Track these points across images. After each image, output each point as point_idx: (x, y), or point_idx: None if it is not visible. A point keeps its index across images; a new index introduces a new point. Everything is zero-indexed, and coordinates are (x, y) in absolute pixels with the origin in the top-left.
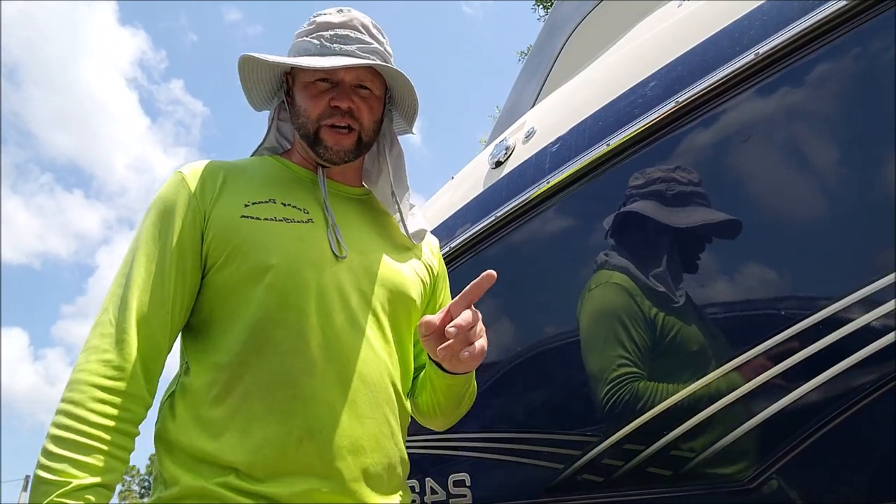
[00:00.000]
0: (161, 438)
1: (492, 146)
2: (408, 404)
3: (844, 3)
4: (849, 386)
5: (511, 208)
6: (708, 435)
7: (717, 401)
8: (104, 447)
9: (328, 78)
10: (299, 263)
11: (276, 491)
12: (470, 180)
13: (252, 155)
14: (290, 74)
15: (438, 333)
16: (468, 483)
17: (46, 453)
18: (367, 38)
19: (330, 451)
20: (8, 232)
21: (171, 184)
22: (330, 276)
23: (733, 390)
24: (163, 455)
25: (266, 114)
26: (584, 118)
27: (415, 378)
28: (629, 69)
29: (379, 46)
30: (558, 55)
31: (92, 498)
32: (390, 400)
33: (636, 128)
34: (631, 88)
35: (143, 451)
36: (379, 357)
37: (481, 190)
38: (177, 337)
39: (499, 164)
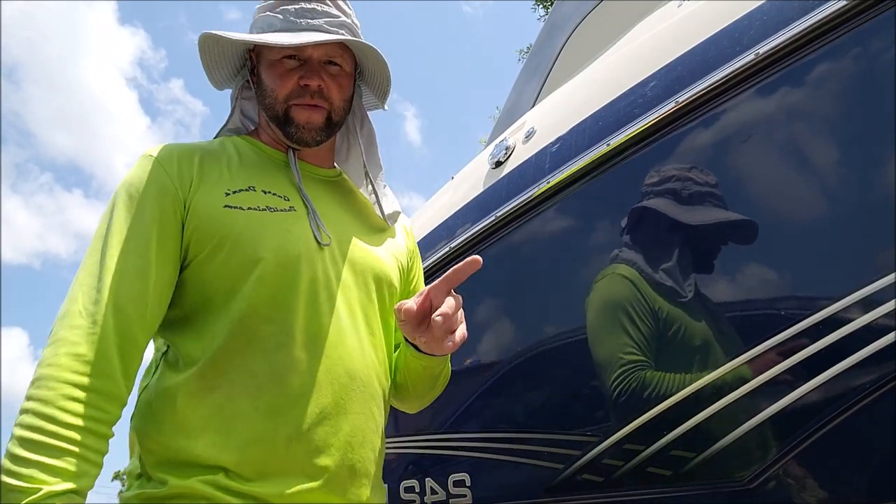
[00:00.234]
0: (139, 435)
1: (492, 146)
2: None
3: (844, 3)
4: (849, 386)
5: (511, 208)
6: (708, 435)
7: (717, 401)
8: (77, 449)
9: (296, 55)
10: (289, 256)
11: (266, 491)
12: (470, 180)
13: (216, 137)
14: (255, 52)
15: (417, 319)
16: (468, 483)
17: (12, 457)
18: (335, 11)
19: (319, 449)
20: (8, 232)
21: (142, 168)
22: (317, 268)
23: (733, 390)
24: (142, 452)
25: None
26: (584, 118)
27: None
28: (629, 69)
29: (346, 19)
30: (558, 55)
31: None
32: (376, 394)
33: (636, 128)
34: (631, 88)
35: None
36: (365, 351)
37: (481, 190)
38: (154, 331)
39: (499, 164)
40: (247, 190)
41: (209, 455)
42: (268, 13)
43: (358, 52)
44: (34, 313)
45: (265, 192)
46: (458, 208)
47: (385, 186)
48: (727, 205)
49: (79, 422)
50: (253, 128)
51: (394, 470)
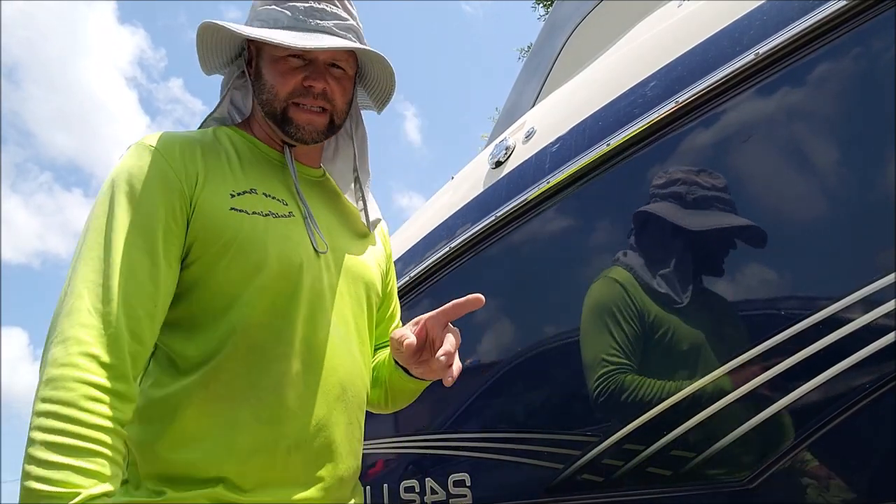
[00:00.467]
0: (130, 441)
1: (492, 146)
2: None
3: (844, 3)
4: (849, 386)
5: (511, 208)
6: (708, 435)
7: (717, 401)
8: (105, 451)
9: (301, 55)
10: (291, 265)
11: (262, 501)
12: (470, 180)
13: (202, 125)
14: (254, 44)
15: (417, 351)
16: (468, 483)
17: (40, 461)
18: (343, 14)
19: (315, 460)
20: (7, 231)
21: (141, 158)
22: (315, 277)
23: (733, 390)
24: (133, 460)
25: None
26: (584, 118)
27: None
28: (629, 69)
29: (353, 22)
30: (558, 55)
31: None
32: (362, 403)
33: (636, 128)
34: (631, 88)
35: None
36: (356, 362)
37: (481, 190)
38: (158, 332)
39: (499, 164)
40: (249, 192)
41: (210, 465)
42: (273, 6)
43: (365, 58)
44: (34, 313)
45: (266, 196)
46: (458, 208)
47: (369, 192)
48: (727, 205)
49: (104, 423)
50: (239, 119)
51: (394, 470)
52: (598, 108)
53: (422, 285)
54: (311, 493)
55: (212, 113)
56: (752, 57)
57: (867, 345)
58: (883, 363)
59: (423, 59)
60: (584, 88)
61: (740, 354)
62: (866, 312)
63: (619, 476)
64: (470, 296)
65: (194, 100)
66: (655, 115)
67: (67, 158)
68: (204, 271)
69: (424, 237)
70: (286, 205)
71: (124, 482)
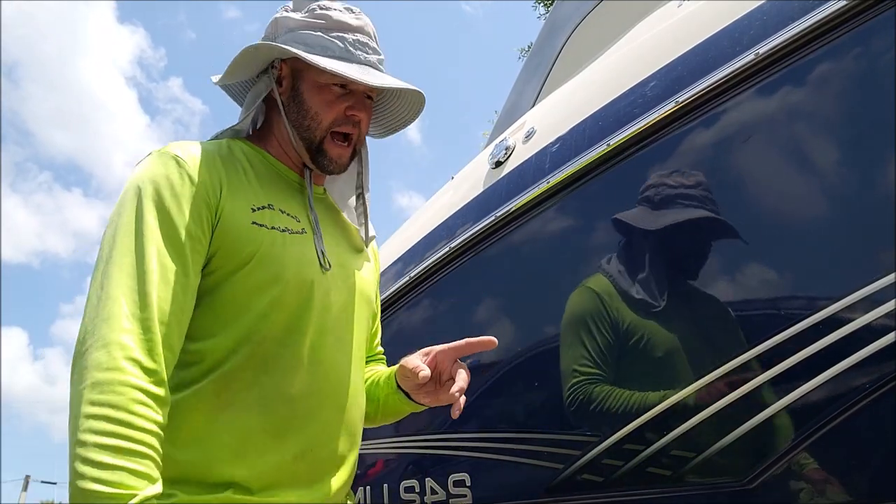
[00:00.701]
0: None
1: (492, 146)
2: None
3: (844, 3)
4: (849, 386)
5: (511, 208)
6: (708, 435)
7: (717, 400)
8: (153, 454)
9: (344, 83)
10: (305, 281)
11: (272, 501)
12: (470, 180)
13: (218, 136)
14: (291, 63)
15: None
16: (468, 483)
17: (95, 463)
18: (378, 48)
19: (320, 467)
20: (7, 231)
21: (167, 166)
22: (325, 294)
23: (734, 390)
24: None
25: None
26: (584, 118)
27: None
28: (629, 69)
29: (383, 56)
30: (558, 55)
31: None
32: (361, 413)
33: (636, 128)
34: (631, 88)
35: None
36: (355, 373)
37: (481, 190)
38: (183, 341)
39: (499, 164)
40: (267, 207)
41: (222, 469)
42: (321, 34)
43: (396, 96)
44: (33, 313)
45: (282, 212)
46: (458, 208)
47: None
48: (727, 205)
49: (152, 427)
50: (250, 132)
51: (394, 470)
52: (598, 108)
53: (422, 285)
54: (314, 494)
55: (235, 125)
56: (752, 57)
57: (867, 345)
58: (883, 363)
59: (423, 58)
60: (584, 88)
61: (742, 354)
62: (866, 312)
63: (619, 476)
64: (483, 337)
65: (194, 99)
66: (655, 115)
67: (67, 158)
68: (221, 281)
69: (424, 237)
70: (299, 221)
71: None
